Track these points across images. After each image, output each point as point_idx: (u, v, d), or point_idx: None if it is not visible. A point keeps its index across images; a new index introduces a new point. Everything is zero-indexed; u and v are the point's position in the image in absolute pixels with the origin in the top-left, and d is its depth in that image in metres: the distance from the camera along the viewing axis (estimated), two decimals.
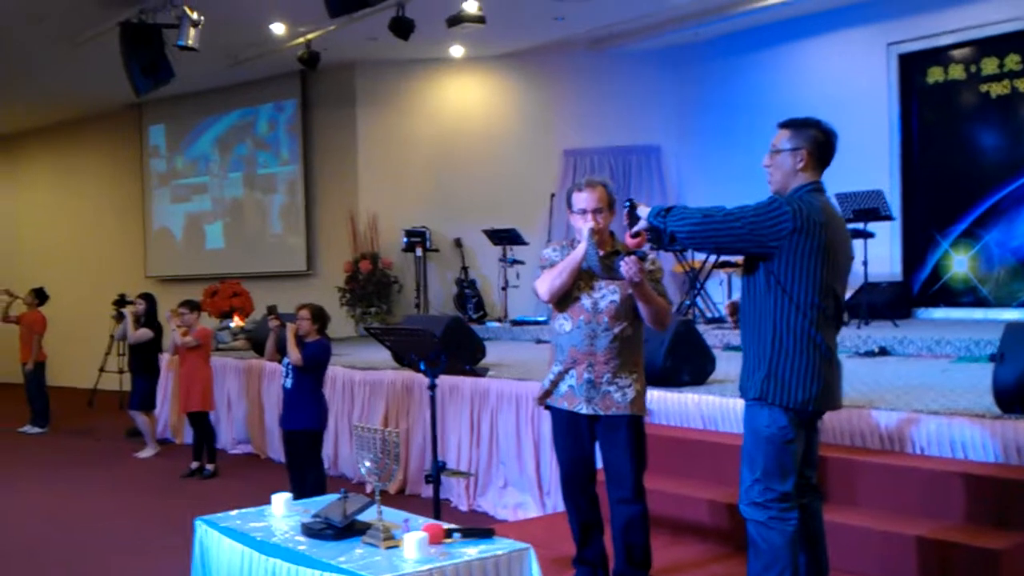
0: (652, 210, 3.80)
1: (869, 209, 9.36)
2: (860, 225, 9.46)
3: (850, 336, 8.62)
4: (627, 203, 3.91)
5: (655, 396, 6.19)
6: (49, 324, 12.47)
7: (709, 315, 10.63)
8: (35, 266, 17.10)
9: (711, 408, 5.99)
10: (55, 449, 11.07)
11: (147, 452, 10.30)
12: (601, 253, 4.14)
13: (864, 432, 5.22)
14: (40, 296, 12.38)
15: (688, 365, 6.47)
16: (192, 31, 9.25)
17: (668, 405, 6.23)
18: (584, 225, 4.26)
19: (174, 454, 10.17)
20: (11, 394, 13.30)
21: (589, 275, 4.27)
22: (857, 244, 9.32)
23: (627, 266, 3.93)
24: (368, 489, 3.83)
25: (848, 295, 9.97)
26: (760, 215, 3.63)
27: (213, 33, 9.76)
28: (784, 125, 3.83)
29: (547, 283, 4.33)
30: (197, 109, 14.99)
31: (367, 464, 3.74)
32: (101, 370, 13.52)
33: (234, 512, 4.24)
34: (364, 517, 3.77)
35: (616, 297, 4.28)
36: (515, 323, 11.74)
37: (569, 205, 4.40)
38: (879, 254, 10.06)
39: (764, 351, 3.69)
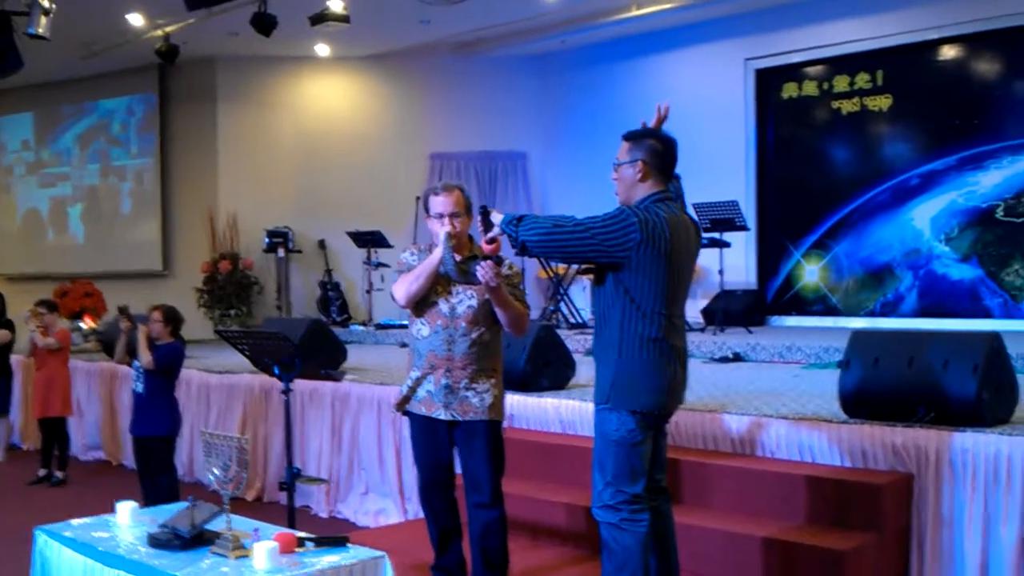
0: (504, 218, 3.82)
1: (725, 219, 9.62)
2: (716, 234, 9.71)
3: (705, 342, 8.85)
4: (480, 209, 3.91)
5: (515, 401, 6.21)
6: None
7: (572, 320, 10.76)
8: None
9: (570, 412, 6.04)
10: None
11: None
12: (458, 258, 4.12)
13: (716, 436, 5.35)
14: None
15: (548, 370, 6.51)
16: (43, 19, 8.86)
17: (528, 410, 6.26)
18: (441, 229, 4.24)
19: (23, 460, 9.72)
20: None
21: (447, 280, 4.25)
22: (713, 253, 9.59)
23: (483, 271, 3.93)
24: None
25: (704, 303, 10.30)
26: (608, 225, 3.69)
27: (69, 23, 9.38)
28: (625, 138, 3.92)
29: (404, 287, 4.29)
30: (53, 99, 14.42)
31: (216, 472, 3.64)
32: None
33: (77, 521, 4.06)
34: (213, 526, 3.66)
35: (474, 302, 4.28)
36: (379, 327, 11.65)
37: (426, 209, 4.38)
38: (735, 263, 10.37)
39: (612, 357, 3.76)
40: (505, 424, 4.53)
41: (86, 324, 11.59)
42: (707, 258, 9.79)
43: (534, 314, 11.24)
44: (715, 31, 11.44)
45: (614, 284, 3.75)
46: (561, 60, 12.79)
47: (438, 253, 4.19)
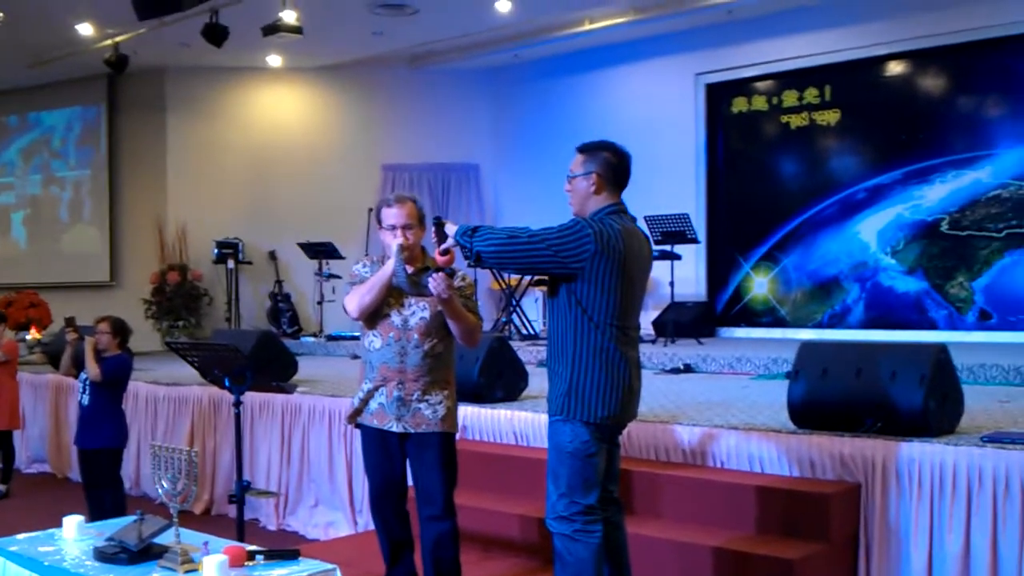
0: (459, 229, 3.83)
1: (676, 231, 9.70)
2: (667, 247, 9.79)
3: (656, 353, 8.91)
4: (435, 220, 3.92)
5: (469, 412, 6.21)
6: None
7: (524, 332, 10.78)
8: None
9: (523, 424, 6.05)
10: None
11: None
12: (410, 270, 4.12)
13: (668, 446, 5.38)
14: None
15: (501, 381, 6.51)
16: None
17: (481, 421, 6.25)
18: (393, 241, 4.23)
19: None
20: None
21: (399, 292, 4.24)
22: (664, 265, 9.66)
23: (435, 283, 3.92)
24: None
25: (655, 314, 10.37)
26: (563, 237, 3.71)
27: (15, 30, 9.25)
28: (579, 150, 3.94)
29: (356, 300, 4.27)
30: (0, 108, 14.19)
31: (165, 485, 3.59)
32: None
33: (22, 536, 3.99)
34: (162, 540, 3.61)
35: (426, 314, 4.27)
36: (331, 338, 11.59)
37: (379, 221, 4.37)
38: (685, 275, 10.45)
39: (566, 368, 3.77)
40: (458, 436, 4.53)
41: (32, 335, 11.40)
42: (658, 270, 9.78)
43: (487, 325, 11.24)
44: (666, 46, 11.56)
45: (567, 295, 3.77)
46: (514, 73, 12.84)
47: (390, 265, 4.18)
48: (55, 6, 9.70)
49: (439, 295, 3.97)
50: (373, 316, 4.29)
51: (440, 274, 3.92)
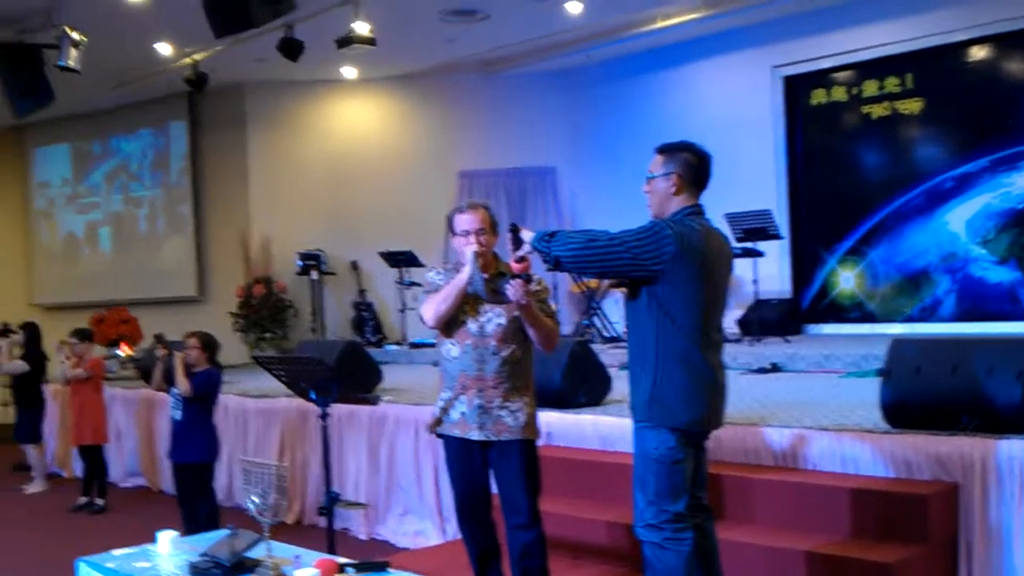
0: (536, 235, 3.81)
1: (758, 228, 9.54)
2: (750, 244, 9.64)
3: (742, 353, 8.77)
4: (511, 227, 3.90)
5: (552, 418, 6.17)
6: None
7: (606, 334, 10.71)
8: None
9: (608, 429, 5.99)
10: None
11: (35, 487, 9.93)
12: (486, 276, 4.11)
13: (757, 449, 5.28)
14: None
15: (584, 386, 6.47)
16: (73, 52, 8.97)
17: (565, 427, 6.21)
18: (468, 248, 4.22)
19: (64, 488, 9.80)
20: None
21: (475, 298, 4.23)
22: (747, 263, 9.52)
23: (513, 289, 3.91)
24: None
25: (740, 313, 10.22)
26: (642, 239, 3.66)
27: (97, 54, 9.48)
28: (659, 150, 3.89)
29: (432, 308, 4.27)
30: (83, 131, 14.57)
31: (255, 500, 3.63)
32: None
33: (118, 552, 4.06)
34: (254, 554, 3.66)
35: (503, 320, 4.25)
36: (413, 346, 11.64)
37: (452, 228, 4.36)
38: (769, 272, 10.28)
39: (648, 374, 3.72)
40: (543, 442, 4.52)
41: (123, 351, 11.66)
42: (741, 268, 9.72)
43: (567, 329, 11.23)
44: (741, 39, 11.39)
45: (648, 298, 3.72)
46: (587, 74, 12.78)
47: (466, 272, 4.17)
48: (134, 27, 9.92)
49: (517, 301, 3.95)
50: (449, 324, 4.29)
51: (517, 280, 3.91)
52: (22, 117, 10.62)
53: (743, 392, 6.81)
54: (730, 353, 7.87)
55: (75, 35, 8.98)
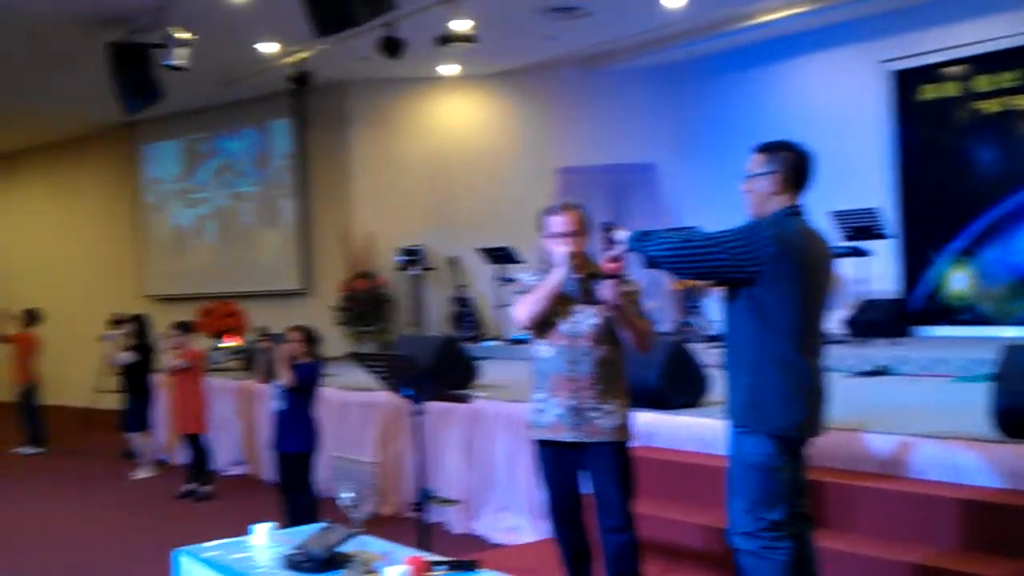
0: (631, 235, 3.74)
1: (864, 227, 9.28)
2: (856, 243, 9.38)
3: (848, 355, 8.54)
4: (604, 226, 3.85)
5: (648, 419, 6.10)
6: (46, 343, 12.50)
7: (707, 333, 10.55)
8: (32, 286, 17.05)
9: (706, 430, 5.90)
10: (51, 469, 11.04)
11: (143, 473, 10.25)
12: (578, 277, 4.07)
13: (860, 456, 5.13)
14: (32, 317, 12.33)
15: (681, 386, 6.38)
16: (180, 51, 9.19)
17: (661, 428, 6.14)
18: (560, 249, 4.19)
19: (170, 475, 10.09)
20: (8, 413, 13.28)
21: (568, 299, 4.20)
22: (853, 262, 9.27)
23: (606, 289, 3.87)
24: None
25: (845, 314, 9.96)
26: (740, 240, 3.57)
27: (204, 52, 9.69)
28: (758, 149, 3.78)
29: (525, 309, 4.25)
30: (190, 128, 14.94)
31: (347, 495, 3.66)
32: (98, 390, 13.42)
33: (215, 543, 4.14)
34: (346, 549, 3.68)
35: (595, 321, 4.21)
36: (511, 342, 11.64)
37: (544, 229, 4.33)
38: (877, 272, 10.00)
39: (746, 377, 3.63)
40: (639, 443, 4.46)
41: (229, 343, 11.92)
42: (847, 268, 9.49)
43: (667, 327, 11.10)
44: (848, 33, 11.09)
45: (746, 300, 3.63)
46: (689, 69, 12.59)
47: (558, 273, 4.14)
48: (240, 26, 10.11)
49: (610, 301, 3.91)
50: (542, 325, 4.26)
51: (611, 280, 3.86)
52: (131, 115, 10.93)
53: (847, 395, 6.59)
54: (836, 355, 7.71)
55: (182, 35, 9.19)
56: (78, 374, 14.66)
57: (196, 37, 9.32)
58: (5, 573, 6.89)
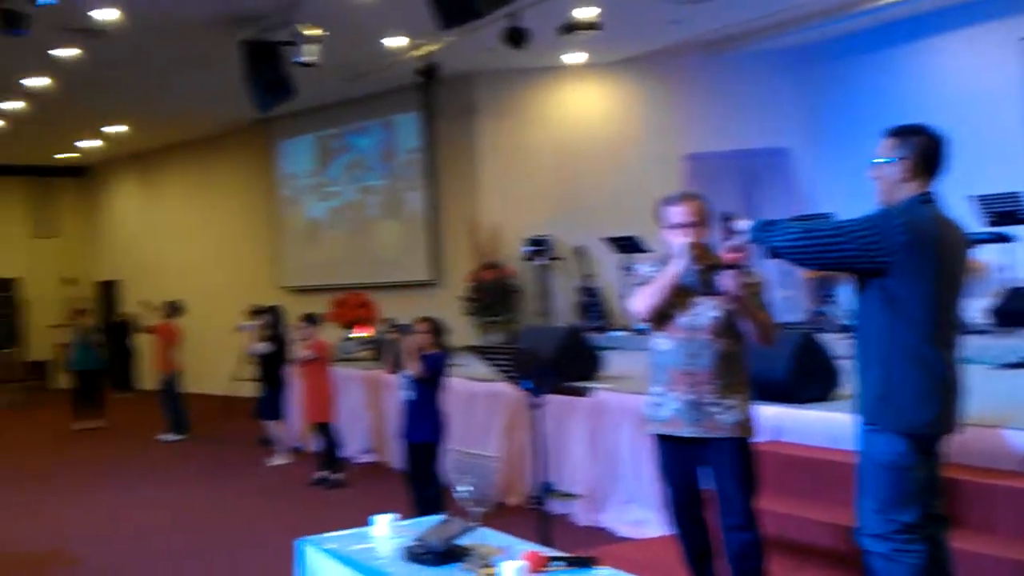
0: (753, 225, 3.63)
1: (1008, 212, 8.84)
2: (1000, 229, 8.95)
3: (992, 346, 8.15)
4: (724, 216, 3.75)
5: (777, 413, 5.95)
6: (186, 333, 12.96)
7: (841, 323, 10.24)
8: (175, 278, 17.73)
9: (837, 425, 5.70)
10: (190, 455, 11.47)
11: (278, 460, 10.55)
12: (698, 268, 3.98)
13: (999, 453, 4.89)
14: (174, 308, 12.81)
15: (811, 379, 6.19)
16: (310, 47, 9.39)
17: (789, 422, 5.97)
18: (680, 239, 4.10)
19: (303, 462, 10.35)
20: (153, 401, 13.87)
21: (687, 291, 4.11)
22: (997, 249, 8.85)
23: (727, 280, 3.77)
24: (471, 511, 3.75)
25: (989, 302, 9.51)
26: (869, 228, 3.42)
27: (332, 48, 9.88)
28: (888, 134, 3.61)
29: (644, 301, 4.18)
30: (322, 123, 15.27)
31: (466, 488, 3.66)
32: (236, 379, 13.87)
33: (338, 533, 4.22)
34: (466, 541, 3.70)
35: (716, 313, 4.11)
36: (638, 332, 11.52)
37: (663, 220, 4.25)
38: (1022, 259, 9.52)
39: (877, 372, 3.48)
40: (766, 437, 4.35)
41: (360, 333, 12.14)
42: (991, 254, 9.06)
43: (799, 316, 10.82)
44: (986, 10, 10.55)
45: (878, 291, 3.48)
46: (820, 51, 12.21)
47: (677, 264, 4.06)
48: (367, 21, 10.26)
49: (731, 293, 3.81)
50: (661, 317, 4.18)
51: (732, 271, 3.77)
52: (264, 112, 11.22)
53: (990, 388, 6.30)
54: (978, 346, 7.37)
55: (312, 31, 9.38)
56: (217, 363, 15.17)
57: (325, 33, 9.51)
58: (141, 554, 7.19)
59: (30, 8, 7.87)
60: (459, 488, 3.69)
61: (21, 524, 8.35)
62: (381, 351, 9.65)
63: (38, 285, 20.22)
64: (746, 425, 4.16)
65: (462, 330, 11.94)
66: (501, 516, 3.80)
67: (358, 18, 9.98)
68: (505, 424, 8.32)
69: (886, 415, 3.46)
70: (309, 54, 9.40)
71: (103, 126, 16.20)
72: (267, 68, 9.81)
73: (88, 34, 10.09)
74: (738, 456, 4.13)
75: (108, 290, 20.58)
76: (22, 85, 12.29)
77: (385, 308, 12.18)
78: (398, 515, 4.25)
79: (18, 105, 13.48)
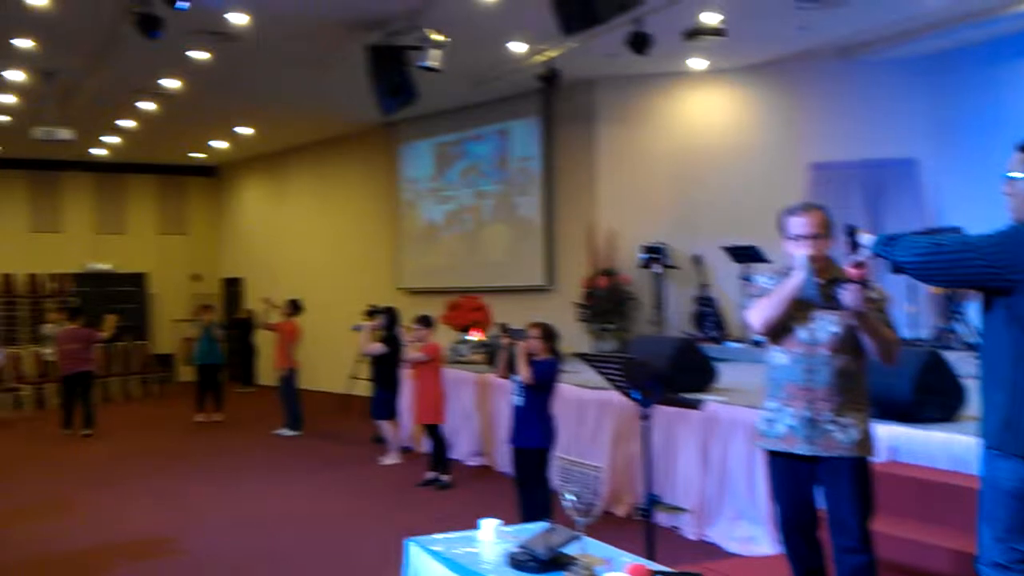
0: (877, 239, 3.51)
1: None
2: None
3: None
4: (848, 229, 3.64)
5: (897, 432, 5.75)
6: (305, 331, 13.25)
7: (968, 341, 9.87)
8: (295, 277, 18.16)
9: (961, 448, 5.50)
10: (306, 451, 11.70)
11: (389, 459, 10.69)
12: (820, 282, 3.86)
13: None
14: (294, 307, 13.10)
15: (934, 399, 5.97)
16: (435, 52, 9.49)
17: (912, 443, 5.76)
18: (801, 251, 3.99)
19: (414, 462, 10.47)
20: (272, 397, 14.23)
21: (807, 305, 4.00)
22: None
23: (849, 295, 3.65)
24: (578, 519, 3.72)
25: None
26: (1000, 245, 3.27)
27: (456, 53, 9.97)
28: (1020, 148, 3.45)
29: (761, 313, 4.08)
30: (441, 127, 15.43)
31: (571, 498, 3.63)
32: (352, 377, 14.12)
33: (444, 535, 4.23)
34: (569, 551, 3.67)
35: (836, 328, 3.98)
36: (756, 344, 11.30)
37: (784, 231, 4.14)
38: None
39: (1003, 395, 3.33)
40: (885, 458, 4.21)
41: (474, 337, 12.22)
42: None
43: (924, 333, 10.46)
44: None
45: (1004, 310, 3.33)
46: (953, 59, 11.77)
47: (797, 277, 3.95)
48: (491, 28, 10.32)
49: (853, 308, 3.69)
50: (778, 331, 4.08)
51: (854, 285, 3.65)
52: (388, 115, 11.39)
53: None
54: None
55: (437, 37, 9.49)
56: (334, 362, 15.49)
57: (449, 40, 9.60)
58: (248, 547, 7.36)
59: (166, 12, 8.13)
60: (565, 496, 3.66)
61: (136, 511, 8.66)
62: (493, 355, 9.68)
63: (165, 280, 20.98)
64: (864, 444, 4.03)
65: (574, 337, 11.92)
66: (607, 526, 3.76)
67: (482, 24, 10.05)
68: (614, 433, 8.26)
69: (1010, 440, 3.31)
70: (433, 59, 9.50)
71: (231, 127, 16.71)
72: (392, 72, 9.95)
73: (219, 37, 10.41)
74: (855, 476, 4.00)
75: (232, 287, 21.21)
76: (158, 86, 12.74)
77: (498, 312, 12.23)
78: (503, 520, 4.25)
79: (151, 107, 13.98)
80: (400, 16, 9.76)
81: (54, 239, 19.96)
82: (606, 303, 12.77)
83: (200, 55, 11.17)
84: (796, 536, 4.20)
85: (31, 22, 9.85)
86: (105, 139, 16.94)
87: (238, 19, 9.89)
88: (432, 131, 15.61)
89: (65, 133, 12.66)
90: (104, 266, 20.19)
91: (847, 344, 4.00)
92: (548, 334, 7.14)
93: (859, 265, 3.64)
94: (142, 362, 18.93)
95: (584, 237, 13.19)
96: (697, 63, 12.43)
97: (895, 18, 10.59)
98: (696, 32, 9.65)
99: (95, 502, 9.00)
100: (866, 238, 3.59)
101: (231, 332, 18.54)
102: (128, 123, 15.43)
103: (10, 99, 13.30)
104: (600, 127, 13.28)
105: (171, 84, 12.68)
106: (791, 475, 4.12)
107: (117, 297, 19.63)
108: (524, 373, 6.92)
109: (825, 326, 4.02)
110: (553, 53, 11.20)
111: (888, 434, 5.73)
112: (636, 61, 10.18)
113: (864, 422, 4.05)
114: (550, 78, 11.51)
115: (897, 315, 4.14)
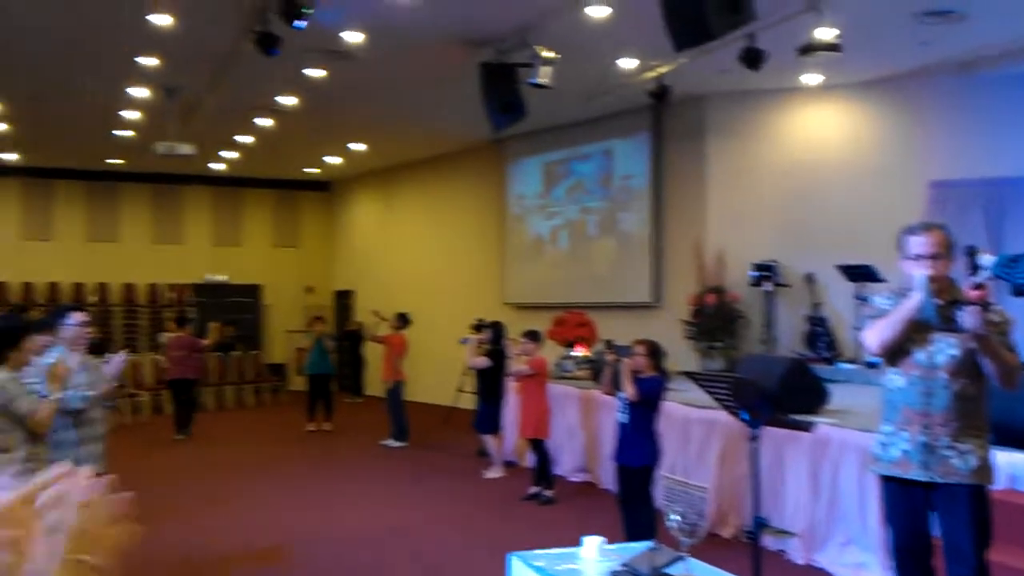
0: (998, 259, 3.40)
1: None
2: None
3: None
4: (968, 249, 3.52)
5: (1017, 460, 5.53)
6: (412, 344, 13.40)
7: None
8: (404, 290, 18.40)
9: None
10: (411, 463, 11.81)
11: (493, 472, 10.73)
12: (939, 303, 3.74)
13: None
14: (403, 320, 13.28)
15: None
16: (545, 69, 9.53)
17: None
18: (920, 272, 3.87)
19: (518, 476, 10.49)
20: (379, 407, 14.42)
21: (925, 327, 3.87)
22: None
23: (969, 317, 3.53)
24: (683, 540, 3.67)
25: None
26: None
27: (566, 70, 10.00)
28: None
29: (878, 334, 3.98)
30: (550, 144, 15.46)
31: (675, 518, 3.59)
32: (458, 390, 14.23)
33: (547, 551, 4.21)
34: (674, 571, 3.62)
35: (955, 351, 3.85)
36: (869, 366, 11.01)
37: (903, 250, 4.03)
38: None
39: None
40: (1005, 485, 4.06)
41: (579, 352, 12.19)
42: None
43: None
44: None
45: None
46: None
47: (916, 298, 3.83)
48: (600, 44, 10.31)
49: (973, 331, 3.57)
50: (895, 353, 3.97)
51: (974, 307, 3.53)
52: (498, 132, 11.47)
53: None
54: None
55: (547, 54, 9.53)
56: (441, 375, 15.63)
57: (559, 56, 9.63)
58: (353, 557, 7.46)
59: (284, 30, 8.34)
60: (670, 516, 3.62)
61: (247, 518, 8.84)
62: (598, 371, 9.65)
63: (279, 292, 21.49)
64: (983, 471, 3.89)
65: (681, 354, 11.80)
66: (712, 548, 3.71)
67: (592, 40, 10.04)
68: (720, 454, 8.14)
69: None
70: (544, 76, 9.55)
71: (344, 143, 17.04)
72: (503, 89, 10.02)
73: (335, 55, 10.63)
74: (972, 504, 3.86)
75: (343, 299, 21.61)
76: (275, 102, 13.08)
77: (604, 329, 12.18)
78: (607, 538, 4.22)
79: (268, 122, 14.36)
80: (511, 33, 9.83)
81: (174, 250, 20.64)
82: (714, 321, 12.61)
83: (316, 72, 11.43)
84: (909, 563, 4.07)
85: (156, 41, 10.21)
86: (224, 154, 17.45)
87: (353, 37, 10.09)
88: (540, 148, 15.67)
89: (186, 148, 13.06)
90: (221, 277, 20.78)
91: (966, 368, 3.87)
92: (654, 351, 7.08)
93: (979, 287, 3.53)
94: (255, 371, 19.39)
95: (692, 254, 13.06)
96: (811, 78, 12.20)
97: (1018, 33, 10.23)
98: (810, 48, 9.47)
99: (208, 510, 9.23)
100: (987, 259, 3.48)
101: (342, 343, 18.88)
102: (246, 139, 15.86)
103: (135, 115, 13.80)
104: (710, 143, 13.14)
105: (288, 101, 12.99)
106: (906, 500, 4.00)
107: (232, 308, 20.22)
108: (629, 390, 6.87)
109: (944, 349, 3.90)
110: (663, 69, 11.14)
111: (1007, 461, 5.51)
112: (748, 77, 10.06)
113: (983, 448, 3.91)
114: (660, 94, 11.45)
115: (1019, 338, 3.98)
